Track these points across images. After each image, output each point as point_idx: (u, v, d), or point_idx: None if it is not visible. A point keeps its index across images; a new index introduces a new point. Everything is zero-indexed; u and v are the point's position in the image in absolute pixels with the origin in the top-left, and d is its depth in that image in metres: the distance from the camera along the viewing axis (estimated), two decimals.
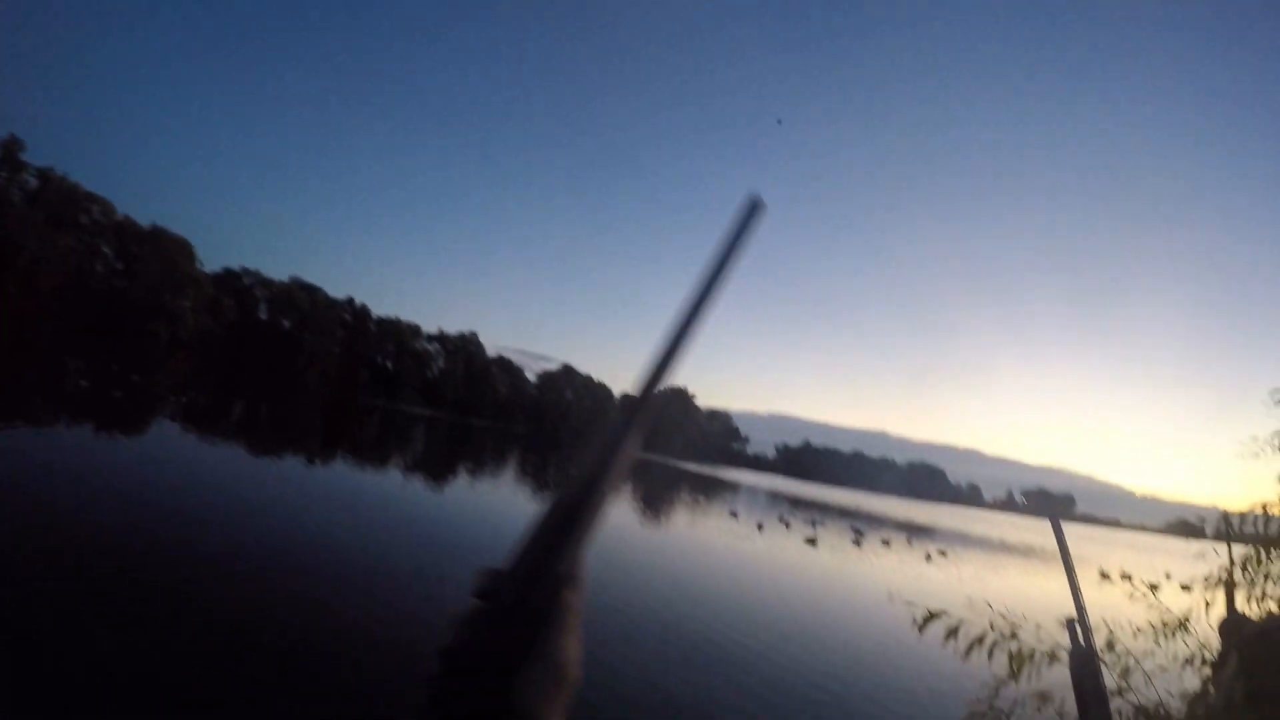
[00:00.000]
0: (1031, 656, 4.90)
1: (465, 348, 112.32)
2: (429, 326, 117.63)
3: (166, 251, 55.25)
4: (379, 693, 9.70)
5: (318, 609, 11.99)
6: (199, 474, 22.87)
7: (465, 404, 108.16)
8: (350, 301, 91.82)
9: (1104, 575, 31.97)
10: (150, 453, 24.67)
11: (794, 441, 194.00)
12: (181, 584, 11.63)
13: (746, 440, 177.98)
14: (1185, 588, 5.72)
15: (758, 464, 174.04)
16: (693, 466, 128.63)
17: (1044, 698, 5.09)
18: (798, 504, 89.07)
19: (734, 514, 57.64)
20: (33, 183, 50.47)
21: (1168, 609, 5.41)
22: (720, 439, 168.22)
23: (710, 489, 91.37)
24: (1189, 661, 5.24)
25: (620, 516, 48.42)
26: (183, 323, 57.08)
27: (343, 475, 33.65)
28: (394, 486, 33.68)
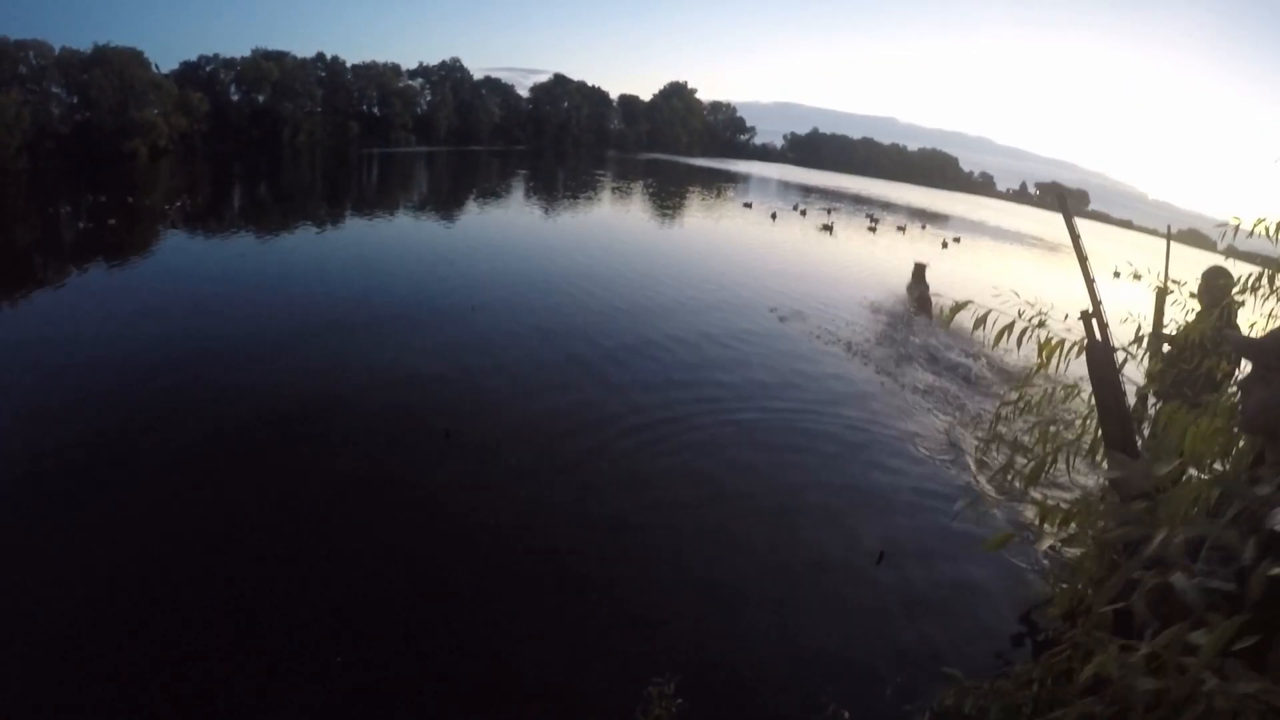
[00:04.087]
0: (1060, 346, 4.80)
1: (450, 76, 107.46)
2: (408, 63, 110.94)
3: (117, 67, 50.72)
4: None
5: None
6: (210, 270, 23.21)
7: (461, 132, 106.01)
8: (320, 57, 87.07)
9: (1118, 274, 30.99)
10: (165, 263, 24.95)
11: (801, 130, 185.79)
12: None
13: (753, 131, 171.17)
14: (1193, 295, 5.69)
15: (765, 154, 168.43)
16: (700, 161, 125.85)
17: (1071, 389, 5.27)
18: (809, 191, 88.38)
19: (748, 205, 57.54)
20: None
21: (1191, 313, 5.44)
22: (725, 131, 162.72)
23: (721, 181, 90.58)
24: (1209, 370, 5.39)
25: (637, 217, 48.58)
26: (157, 131, 54.58)
27: (358, 228, 33.94)
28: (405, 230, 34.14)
